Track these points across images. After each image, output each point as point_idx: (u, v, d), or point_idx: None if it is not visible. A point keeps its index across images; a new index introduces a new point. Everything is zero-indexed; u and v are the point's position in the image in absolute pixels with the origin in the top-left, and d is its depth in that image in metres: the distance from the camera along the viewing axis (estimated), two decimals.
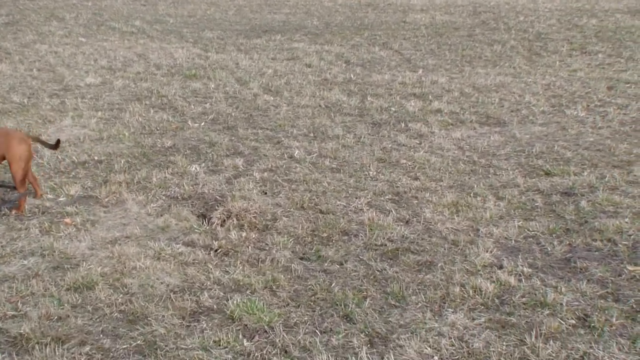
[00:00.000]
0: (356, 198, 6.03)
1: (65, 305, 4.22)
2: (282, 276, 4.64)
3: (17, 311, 4.15)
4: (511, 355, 3.79)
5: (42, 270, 4.67)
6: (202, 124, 8.36)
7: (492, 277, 4.63)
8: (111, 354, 3.77)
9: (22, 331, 3.91)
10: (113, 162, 6.87)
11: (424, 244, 5.14)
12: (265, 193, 6.14)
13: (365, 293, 4.45)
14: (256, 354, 3.79)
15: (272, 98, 9.63)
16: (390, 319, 4.16)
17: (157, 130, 8.07)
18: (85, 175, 6.53)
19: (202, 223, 5.51)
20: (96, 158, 7.01)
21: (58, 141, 6.03)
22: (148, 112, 8.80)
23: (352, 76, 11.09)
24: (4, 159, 5.64)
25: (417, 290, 4.47)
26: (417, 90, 10.06)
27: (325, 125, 8.31)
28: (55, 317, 4.09)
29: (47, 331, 3.92)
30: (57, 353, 3.70)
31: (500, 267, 4.77)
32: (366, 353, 3.80)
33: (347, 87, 10.30)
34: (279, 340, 3.91)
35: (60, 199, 5.96)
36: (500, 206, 5.84)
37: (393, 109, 9.08)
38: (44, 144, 6.02)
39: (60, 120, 8.40)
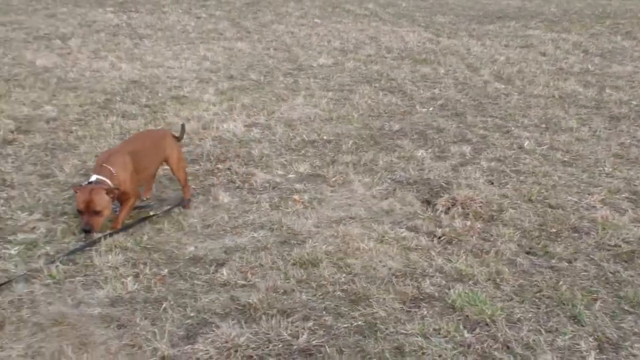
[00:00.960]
0: (589, 194, 5.73)
1: (291, 279, 4.32)
2: (507, 269, 4.49)
3: (246, 281, 4.30)
4: None
5: (270, 244, 4.82)
6: (431, 109, 8.30)
7: None
8: (332, 331, 3.81)
9: (250, 301, 4.04)
10: (341, 143, 6.98)
11: None
12: (492, 183, 5.99)
13: (595, 295, 4.20)
14: (477, 347, 3.68)
15: (503, 86, 9.39)
16: (622, 324, 3.90)
17: (385, 113, 8.11)
18: (314, 154, 6.67)
19: (426, 209, 5.45)
20: (325, 138, 7.15)
21: (183, 127, 6.02)
22: (377, 95, 8.87)
23: (589, 66, 10.58)
24: (166, 161, 5.56)
25: None
26: None
27: (558, 116, 7.97)
28: (281, 290, 4.19)
29: (274, 303, 4.03)
30: (281, 325, 3.79)
31: None
32: (595, 358, 3.58)
33: (583, 78, 9.83)
34: (501, 335, 3.78)
35: (290, 176, 6.13)
36: None
37: (634, 102, 8.56)
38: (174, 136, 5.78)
39: (292, 99, 8.66)
